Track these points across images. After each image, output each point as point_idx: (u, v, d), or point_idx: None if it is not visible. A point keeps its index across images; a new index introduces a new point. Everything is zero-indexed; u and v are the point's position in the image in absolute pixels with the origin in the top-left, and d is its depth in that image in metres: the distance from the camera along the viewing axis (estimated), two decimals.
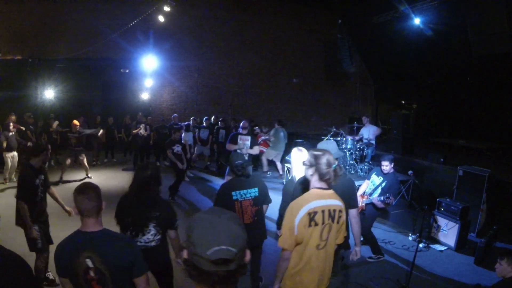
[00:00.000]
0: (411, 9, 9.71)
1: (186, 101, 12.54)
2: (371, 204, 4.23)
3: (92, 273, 1.64)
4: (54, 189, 3.60)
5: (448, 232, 4.87)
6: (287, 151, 7.98)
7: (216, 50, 12.69)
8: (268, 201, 3.17)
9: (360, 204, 4.25)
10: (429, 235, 5.11)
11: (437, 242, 4.98)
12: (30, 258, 3.05)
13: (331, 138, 7.83)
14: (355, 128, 8.45)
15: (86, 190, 1.74)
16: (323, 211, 2.03)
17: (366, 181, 4.63)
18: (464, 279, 4.00)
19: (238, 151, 5.43)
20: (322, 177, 2.07)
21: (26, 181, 3.17)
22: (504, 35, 7.86)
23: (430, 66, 12.21)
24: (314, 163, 2.08)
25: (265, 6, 13.25)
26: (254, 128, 9.29)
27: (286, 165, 7.82)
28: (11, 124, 7.06)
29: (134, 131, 8.83)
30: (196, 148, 8.88)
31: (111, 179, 7.71)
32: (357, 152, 7.76)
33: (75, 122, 7.53)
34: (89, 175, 7.69)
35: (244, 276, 1.54)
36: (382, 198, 4.02)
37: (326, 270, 2.16)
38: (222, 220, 0.90)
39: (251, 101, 13.51)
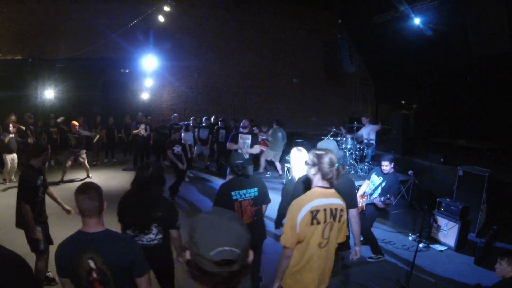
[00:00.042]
0: (411, 9, 9.71)
1: (186, 101, 12.54)
2: (371, 204, 4.23)
3: (94, 274, 1.64)
4: (52, 189, 3.59)
5: (448, 232, 4.87)
6: (287, 151, 7.98)
7: (216, 50, 12.69)
8: (267, 201, 3.17)
9: (360, 204, 4.25)
10: (429, 235, 5.11)
11: (437, 242, 4.98)
12: (30, 258, 3.04)
13: (331, 138, 7.82)
14: (355, 128, 8.45)
15: (88, 190, 1.72)
16: (325, 210, 2.04)
17: (366, 181, 4.63)
18: (464, 279, 4.00)
19: (239, 150, 5.44)
20: (324, 176, 2.08)
21: (28, 182, 3.15)
22: (504, 35, 7.86)
23: (430, 66, 12.22)
24: (316, 162, 2.09)
25: (265, 6, 13.25)
26: (253, 128, 9.29)
27: (286, 165, 7.82)
28: (11, 124, 7.05)
29: (135, 131, 8.83)
30: (195, 148, 8.89)
31: (111, 179, 7.71)
32: (357, 152, 7.76)
33: (75, 122, 7.53)
34: (90, 175, 7.69)
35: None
36: (382, 198, 4.02)
37: (327, 269, 2.17)
38: (225, 221, 0.90)
39: (251, 101, 13.52)
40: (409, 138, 8.87)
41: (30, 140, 7.54)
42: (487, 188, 5.23)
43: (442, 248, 4.81)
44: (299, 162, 3.04)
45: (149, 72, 10.77)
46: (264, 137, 8.59)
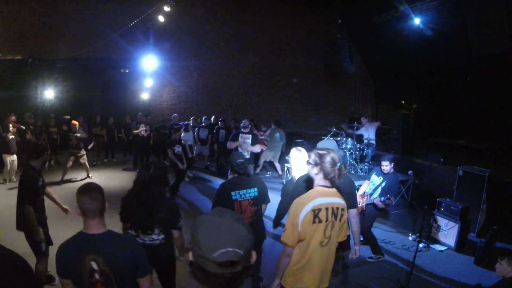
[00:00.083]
0: (411, 9, 9.71)
1: (186, 101, 12.54)
2: (371, 204, 4.23)
3: (97, 276, 1.63)
4: (49, 189, 3.57)
5: (448, 232, 4.87)
6: (287, 151, 7.98)
7: (216, 50, 12.69)
8: (267, 200, 3.17)
9: (360, 204, 4.26)
10: (429, 235, 5.11)
11: (437, 242, 4.98)
12: (30, 258, 3.04)
13: (331, 138, 7.82)
14: (355, 128, 8.45)
15: (90, 191, 1.71)
16: (327, 209, 2.05)
17: (366, 181, 4.63)
18: (464, 279, 4.00)
19: (240, 149, 5.46)
20: (326, 176, 2.09)
21: (28, 182, 3.12)
22: (504, 35, 7.86)
23: (430, 66, 12.21)
24: (319, 162, 2.10)
25: (265, 6, 13.25)
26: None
27: (286, 165, 7.82)
28: (11, 125, 7.05)
29: (135, 131, 8.82)
30: (195, 148, 8.89)
31: (111, 179, 7.71)
32: (357, 152, 7.76)
33: (75, 122, 7.54)
34: (90, 175, 7.69)
35: None
36: (382, 198, 4.02)
37: (328, 268, 2.17)
38: (227, 222, 0.89)
39: (251, 101, 13.52)
40: (409, 138, 8.87)
41: (28, 137, 7.52)
42: (487, 188, 5.23)
43: (442, 248, 4.81)
44: (299, 162, 3.04)
45: (149, 72, 10.77)
46: (263, 137, 8.59)
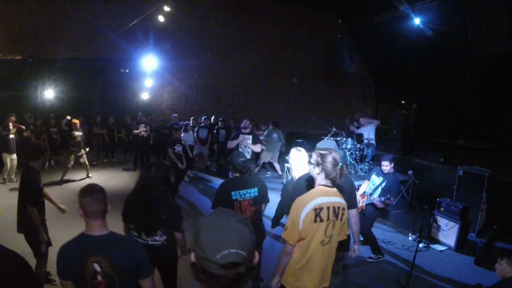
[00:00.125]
0: (411, 9, 9.71)
1: (186, 101, 12.54)
2: (371, 204, 4.23)
3: (99, 277, 1.63)
4: (46, 189, 3.53)
5: (448, 232, 4.87)
6: (287, 151, 7.98)
7: (216, 50, 12.69)
8: (266, 200, 3.17)
9: (360, 204, 4.26)
10: (429, 235, 5.11)
11: (437, 242, 4.98)
12: (30, 258, 3.04)
13: (331, 138, 7.82)
14: (355, 126, 8.44)
15: (93, 192, 1.70)
16: (328, 208, 2.07)
17: (366, 181, 4.63)
18: (464, 279, 4.00)
19: (240, 149, 5.48)
20: (328, 176, 2.11)
21: (30, 183, 3.10)
22: (504, 35, 7.86)
23: (430, 66, 12.21)
24: (320, 162, 2.11)
25: (265, 6, 13.25)
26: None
27: (286, 165, 7.82)
28: (11, 124, 7.05)
29: (135, 131, 8.82)
30: (195, 148, 8.89)
31: (111, 179, 7.70)
32: (357, 152, 7.76)
33: (75, 120, 7.57)
34: (90, 175, 7.69)
35: None
36: (382, 198, 4.02)
37: (328, 268, 2.18)
38: (231, 223, 0.88)
39: (251, 101, 13.52)
40: (409, 138, 8.87)
41: (25, 134, 7.53)
42: (487, 188, 5.24)
43: (442, 248, 4.81)
44: (299, 162, 3.04)
45: (149, 72, 10.76)
46: (262, 137, 8.58)
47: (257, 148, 5.78)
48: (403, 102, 15.77)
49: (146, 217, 2.41)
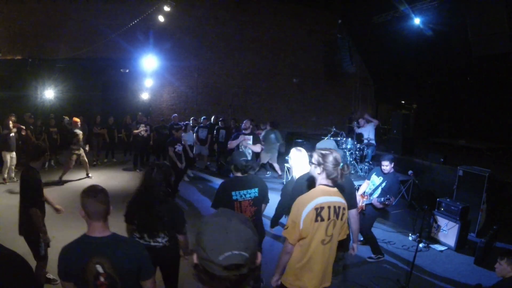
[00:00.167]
0: (411, 9, 9.71)
1: (186, 101, 12.54)
2: (371, 204, 4.23)
3: (102, 279, 1.63)
4: (44, 189, 3.54)
5: (448, 232, 4.87)
6: (287, 151, 7.97)
7: (216, 50, 12.69)
8: (266, 200, 3.17)
9: (360, 204, 4.26)
10: (429, 235, 5.11)
11: (437, 242, 4.98)
12: (30, 258, 3.04)
13: (331, 138, 7.82)
14: (355, 127, 8.45)
15: (96, 193, 1.70)
16: (329, 207, 2.08)
17: (366, 181, 4.63)
18: (464, 279, 4.00)
19: (241, 149, 5.48)
20: (329, 176, 2.12)
21: (33, 184, 3.08)
22: (504, 35, 7.86)
23: (430, 66, 12.22)
24: (322, 162, 2.12)
25: (265, 6, 13.25)
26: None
27: (286, 165, 7.82)
28: (11, 122, 7.06)
29: (135, 131, 8.82)
30: (194, 148, 8.89)
31: (111, 179, 7.70)
32: (357, 152, 7.76)
33: (76, 119, 7.59)
34: (90, 175, 7.69)
35: None
36: (382, 199, 4.02)
37: (329, 267, 2.19)
38: (233, 224, 0.87)
39: (251, 101, 13.52)
40: (409, 138, 8.88)
41: (23, 133, 7.53)
42: (487, 188, 5.24)
43: (442, 248, 4.81)
44: (299, 162, 3.04)
45: (149, 72, 10.77)
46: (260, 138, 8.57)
47: (257, 148, 5.80)
48: (403, 102, 15.78)
49: (148, 218, 2.42)
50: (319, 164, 2.13)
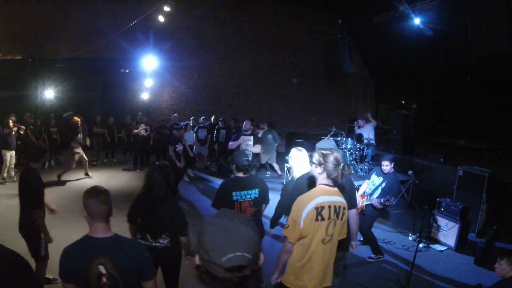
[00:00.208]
0: (411, 9, 9.71)
1: (186, 101, 12.54)
2: (371, 204, 4.23)
3: (104, 279, 1.63)
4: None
5: (448, 232, 4.87)
6: (286, 151, 7.98)
7: (216, 50, 12.69)
8: (267, 201, 3.16)
9: (360, 204, 4.26)
10: (429, 235, 5.11)
11: (437, 242, 4.98)
12: (30, 258, 3.04)
13: (331, 138, 7.82)
14: (355, 128, 8.45)
15: (98, 193, 1.70)
16: (329, 207, 2.09)
17: (366, 181, 4.63)
18: (464, 279, 4.00)
19: (243, 147, 5.49)
20: (329, 175, 2.13)
21: (32, 184, 3.07)
22: (504, 35, 7.87)
23: (430, 66, 12.23)
24: (322, 162, 2.13)
25: (265, 6, 13.25)
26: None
27: (286, 165, 7.82)
28: (11, 121, 7.07)
29: (135, 131, 8.82)
30: (194, 148, 8.89)
31: (111, 179, 7.70)
32: (357, 152, 7.76)
33: (77, 118, 7.61)
34: (89, 175, 7.68)
35: None
36: (382, 200, 4.02)
37: (329, 267, 2.19)
38: (235, 225, 0.86)
39: (251, 101, 13.52)
40: (409, 138, 8.88)
41: (22, 132, 7.54)
42: (487, 188, 5.24)
43: (442, 248, 4.81)
44: (300, 162, 3.04)
45: (149, 72, 10.76)
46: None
47: (257, 149, 5.79)
48: (403, 102, 15.78)
49: (149, 218, 2.42)
50: (320, 164, 2.14)
